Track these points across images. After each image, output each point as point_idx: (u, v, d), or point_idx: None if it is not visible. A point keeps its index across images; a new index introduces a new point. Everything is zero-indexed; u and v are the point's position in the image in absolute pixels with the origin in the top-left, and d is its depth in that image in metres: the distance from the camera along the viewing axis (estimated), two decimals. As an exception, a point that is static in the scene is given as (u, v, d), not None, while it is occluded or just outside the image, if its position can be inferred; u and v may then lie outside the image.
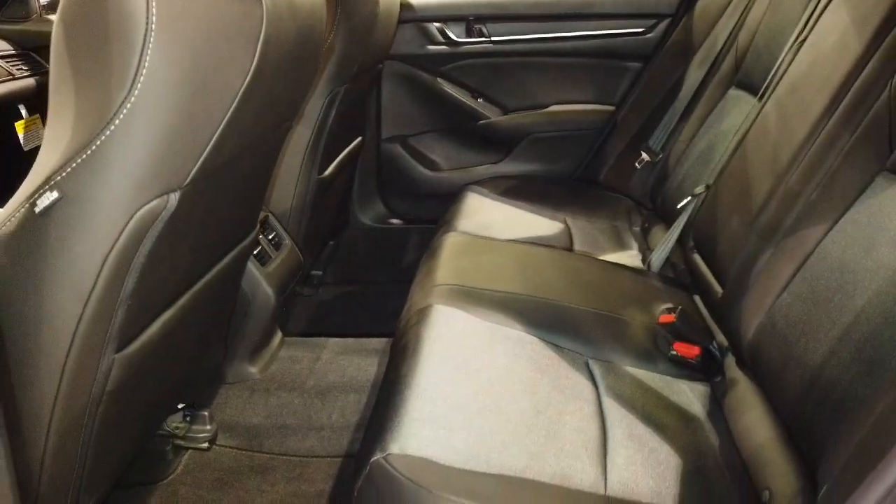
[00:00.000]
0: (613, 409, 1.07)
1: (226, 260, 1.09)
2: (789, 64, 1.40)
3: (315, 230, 1.77)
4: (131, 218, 0.70)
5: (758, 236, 1.23)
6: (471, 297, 1.30)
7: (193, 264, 0.96)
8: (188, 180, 0.77)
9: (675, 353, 1.23)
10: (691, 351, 1.23)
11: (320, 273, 2.13)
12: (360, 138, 1.99)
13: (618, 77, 2.12)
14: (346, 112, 1.71)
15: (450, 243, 1.54)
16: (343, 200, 2.15)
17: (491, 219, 1.78)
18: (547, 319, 1.26)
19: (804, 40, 1.37)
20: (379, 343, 1.60)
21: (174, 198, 0.74)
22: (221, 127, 0.77)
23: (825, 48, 1.26)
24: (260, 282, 1.40)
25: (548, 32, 2.06)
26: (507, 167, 2.21)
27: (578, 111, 2.17)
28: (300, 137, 1.48)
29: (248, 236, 1.18)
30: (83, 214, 0.67)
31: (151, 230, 0.74)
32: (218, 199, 0.92)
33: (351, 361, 1.54)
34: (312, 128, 1.48)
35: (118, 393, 0.83)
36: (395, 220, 2.30)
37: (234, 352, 1.43)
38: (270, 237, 1.49)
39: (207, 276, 1.02)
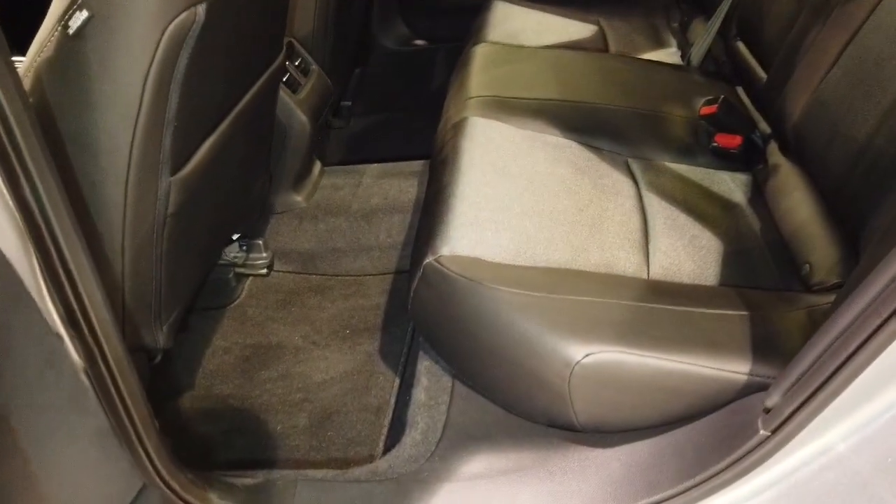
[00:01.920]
0: (654, 203, 1.08)
1: (257, 85, 1.08)
2: None
3: (339, 54, 1.72)
4: (164, 33, 0.70)
5: (808, 12, 1.15)
6: (506, 106, 1.28)
7: (228, 88, 0.96)
8: None
9: (716, 144, 1.22)
10: (733, 141, 1.21)
11: (350, 104, 2.10)
12: None
13: None
14: None
15: (480, 54, 1.49)
16: (364, 23, 2.06)
17: (521, 26, 1.70)
18: (584, 122, 1.25)
19: None
20: (418, 165, 1.61)
21: (202, 9, 0.73)
22: None
23: None
24: (294, 109, 1.39)
25: None
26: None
27: None
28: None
29: (276, 60, 1.16)
30: (116, 32, 0.67)
31: (185, 46, 0.74)
32: (242, 13, 0.90)
33: (392, 184, 1.57)
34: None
35: (179, 215, 0.88)
36: (419, 41, 2.22)
37: (279, 182, 1.46)
38: (297, 63, 1.46)
39: (243, 102, 1.02)
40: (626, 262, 0.96)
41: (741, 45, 1.41)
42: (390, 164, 1.65)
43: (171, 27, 0.72)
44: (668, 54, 1.66)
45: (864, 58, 0.99)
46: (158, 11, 0.71)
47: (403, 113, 2.04)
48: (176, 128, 0.80)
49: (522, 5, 1.83)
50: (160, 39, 0.70)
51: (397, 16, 2.19)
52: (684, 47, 1.66)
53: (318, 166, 1.62)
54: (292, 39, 1.47)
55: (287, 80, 1.40)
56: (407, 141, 1.82)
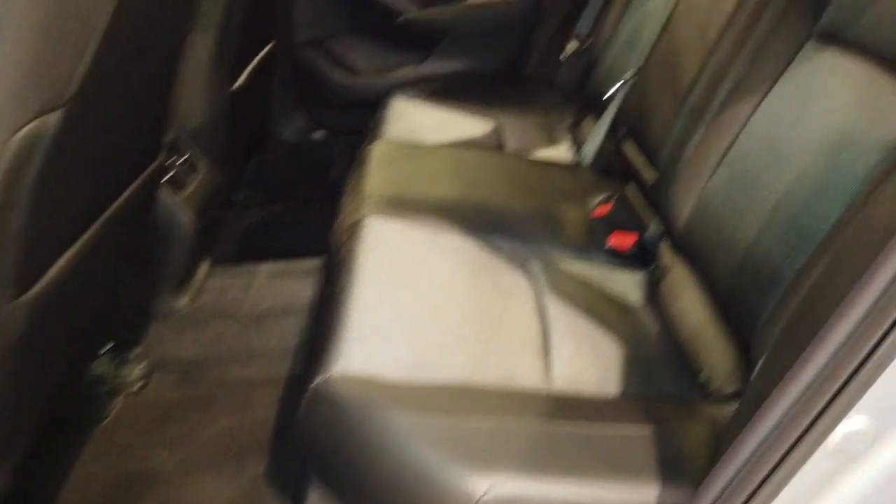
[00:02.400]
0: (554, 306, 1.06)
1: (131, 188, 0.99)
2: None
3: (233, 148, 1.66)
4: (12, 138, 0.61)
5: (688, 117, 1.20)
6: (404, 205, 1.24)
7: (91, 197, 0.87)
8: (72, 93, 0.67)
9: (610, 244, 1.23)
10: (627, 240, 1.22)
11: (245, 195, 2.03)
12: (271, 44, 1.85)
13: (539, -39, 2.02)
14: (252, 14, 1.56)
15: (378, 152, 1.47)
16: (261, 113, 2.02)
17: (419, 123, 1.70)
18: (483, 222, 1.23)
19: None
20: (313, 263, 1.55)
21: (55, 117, 0.65)
22: (102, 28, 0.67)
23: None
24: (176, 209, 1.30)
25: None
26: (432, 67, 2.11)
27: (501, 2, 2.06)
28: (202, 45, 1.34)
29: (154, 161, 1.08)
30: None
31: (36, 152, 0.65)
32: (110, 115, 0.82)
33: (285, 284, 1.49)
34: (215, 33, 1.35)
35: (23, 343, 0.76)
36: (319, 133, 2.19)
37: (159, 285, 1.35)
38: (183, 159, 1.38)
39: (112, 208, 0.93)
40: (528, 373, 0.92)
41: (630, 145, 1.46)
42: (284, 263, 1.57)
43: (22, 132, 0.64)
44: (562, 151, 1.70)
45: (744, 164, 1.03)
46: (8, 116, 0.62)
47: (302, 206, 1.98)
48: (24, 243, 0.70)
49: (421, 102, 1.84)
50: (6, 145, 0.62)
51: (297, 107, 2.16)
52: (577, 145, 1.71)
53: (205, 266, 1.51)
54: (178, 134, 1.40)
55: (170, 178, 1.31)
56: (304, 236, 1.75)
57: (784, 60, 1.01)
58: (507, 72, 2.14)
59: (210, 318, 1.40)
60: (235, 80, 1.51)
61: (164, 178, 1.29)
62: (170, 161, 1.33)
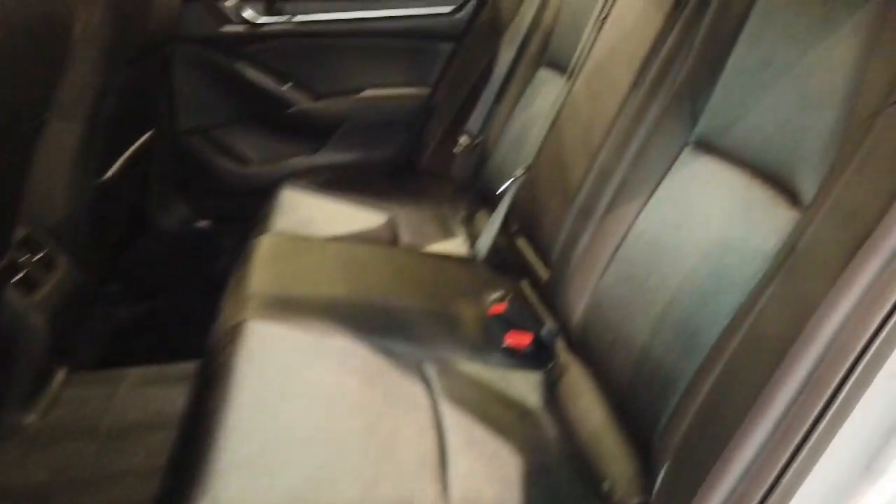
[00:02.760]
0: (450, 414, 1.00)
1: None
2: (593, 42, 1.41)
3: (101, 241, 1.52)
4: None
5: (577, 217, 1.22)
6: (290, 306, 1.16)
7: None
8: None
9: (507, 343, 1.20)
10: (523, 339, 1.20)
11: (116, 289, 1.86)
12: (151, 132, 1.75)
13: (431, 58, 2.06)
14: (128, 105, 1.47)
15: (264, 247, 1.39)
16: (137, 203, 1.89)
17: (310, 215, 1.64)
18: (375, 322, 1.17)
19: (605, 17, 1.38)
20: (189, 368, 1.41)
21: None
22: None
23: (627, 25, 1.28)
24: (25, 313, 1.15)
25: (355, 11, 1.95)
26: (325, 157, 2.08)
27: (394, 95, 2.08)
28: (67, 136, 1.23)
29: (1, 259, 0.95)
30: None
31: None
32: None
33: (156, 393, 1.34)
34: (82, 124, 1.25)
35: None
36: (202, 222, 2.07)
37: (2, 401, 1.17)
38: (38, 257, 1.24)
39: None
40: (424, 496, 0.84)
41: (522, 241, 1.46)
42: (156, 368, 1.43)
43: None
44: (457, 244, 1.69)
45: (632, 265, 1.04)
46: None
47: (180, 302, 1.84)
48: None
49: (313, 193, 1.79)
50: None
51: (179, 195, 2.04)
52: (471, 238, 1.70)
53: (61, 374, 1.34)
54: (33, 229, 1.26)
55: (20, 278, 1.17)
56: (180, 336, 1.61)
57: (664, 165, 1.04)
58: (401, 163, 2.14)
59: (63, 436, 1.23)
60: (105, 170, 1.40)
61: (14, 279, 1.14)
62: (22, 259, 1.19)
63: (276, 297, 1.19)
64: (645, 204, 1.06)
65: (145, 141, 1.70)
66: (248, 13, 1.86)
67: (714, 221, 0.91)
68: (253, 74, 1.93)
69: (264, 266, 1.30)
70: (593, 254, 1.15)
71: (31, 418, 1.23)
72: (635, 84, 1.15)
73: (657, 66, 1.10)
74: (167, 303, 1.84)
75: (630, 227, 1.08)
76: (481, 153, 1.92)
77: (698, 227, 0.94)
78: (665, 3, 1.12)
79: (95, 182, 1.35)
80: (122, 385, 1.36)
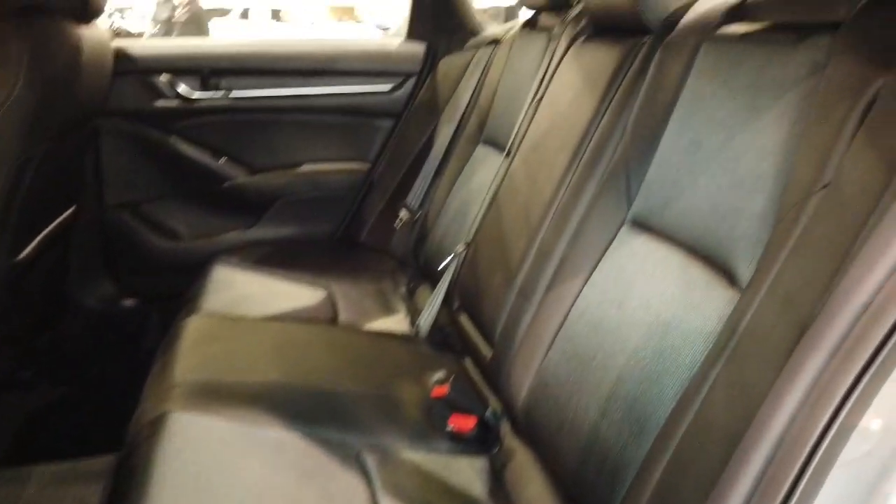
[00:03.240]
0: (391, 509, 0.94)
1: None
2: (530, 122, 1.44)
3: (15, 324, 1.41)
4: None
5: (519, 294, 1.20)
6: (218, 394, 1.09)
7: None
8: None
9: (451, 427, 1.15)
10: (467, 423, 1.15)
11: (30, 374, 1.73)
12: (73, 207, 1.67)
13: (370, 134, 2.07)
14: (49, 179, 1.40)
15: (192, 329, 1.31)
16: (57, 282, 1.78)
17: (243, 294, 1.58)
18: (311, 409, 1.10)
19: (541, 98, 1.41)
20: (106, 463, 1.29)
21: None
22: None
23: (562, 106, 1.31)
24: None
25: (292, 88, 1.95)
26: (261, 232, 2.02)
27: (333, 170, 2.07)
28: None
29: None
30: None
31: None
32: None
33: (67, 493, 1.22)
34: (-3, 201, 1.17)
35: None
36: (128, 301, 1.97)
37: None
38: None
39: None
40: None
41: (465, 318, 1.44)
42: (69, 464, 1.30)
43: None
44: (398, 321, 1.65)
45: (576, 344, 1.03)
46: None
47: (98, 390, 1.71)
48: None
49: (247, 269, 1.73)
50: None
51: (102, 273, 1.94)
52: (413, 314, 1.67)
53: (-43, 476, 1.21)
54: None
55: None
56: (99, 426, 1.49)
57: (603, 243, 1.05)
58: (340, 238, 2.11)
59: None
60: (22, 249, 1.31)
61: None
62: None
63: (203, 384, 1.11)
64: (586, 282, 1.06)
65: (67, 217, 1.62)
66: (182, 88, 1.83)
67: (654, 301, 0.91)
68: (186, 149, 1.89)
69: (191, 350, 1.22)
70: (536, 332, 1.13)
71: (-83, 530, 1.09)
72: (571, 163, 1.17)
73: (592, 146, 1.12)
74: (85, 390, 1.71)
75: (572, 306, 1.07)
76: (421, 228, 1.91)
77: (639, 305, 0.93)
78: (597, 88, 1.16)
79: (10, 261, 1.26)
80: (28, 484, 1.24)
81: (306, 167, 2.03)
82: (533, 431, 1.08)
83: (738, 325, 0.71)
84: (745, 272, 0.77)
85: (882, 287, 0.47)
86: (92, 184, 1.80)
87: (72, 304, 1.87)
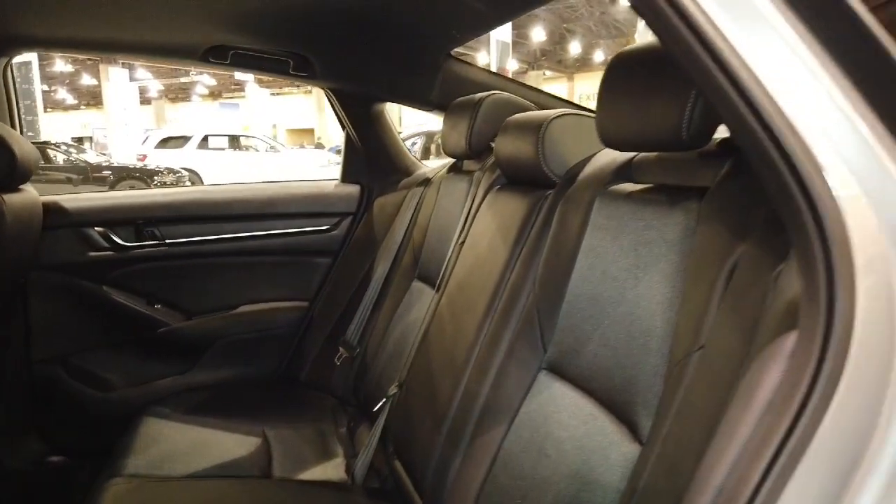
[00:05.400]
0: None
1: None
2: (455, 261, 1.48)
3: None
4: None
5: (446, 443, 1.19)
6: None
7: None
8: None
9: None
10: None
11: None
12: None
13: (309, 272, 2.10)
14: None
15: (109, 497, 1.25)
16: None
17: (172, 449, 1.52)
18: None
19: (464, 240, 1.47)
20: None
21: None
22: None
23: (481, 249, 1.36)
24: None
25: (230, 232, 1.98)
26: (198, 377, 1.98)
27: (272, 309, 2.07)
28: None
29: None
30: None
31: None
32: None
33: None
34: None
35: None
36: (56, 458, 1.87)
37: None
38: None
39: None
40: None
41: (398, 464, 1.40)
42: None
43: None
44: (335, 466, 1.59)
45: (502, 497, 1.01)
46: None
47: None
48: None
49: (179, 419, 1.67)
50: None
51: (27, 430, 1.85)
52: (350, 457, 1.62)
53: None
54: None
55: None
56: None
57: (522, 389, 1.06)
58: (280, 376, 2.07)
59: None
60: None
61: None
62: None
63: (114, 563, 1.04)
64: (509, 428, 1.06)
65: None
66: (116, 238, 1.84)
67: (570, 450, 0.91)
68: (119, 297, 1.87)
69: (106, 523, 1.16)
70: (464, 483, 1.11)
71: None
72: (490, 308, 1.20)
73: (507, 293, 1.16)
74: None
75: (496, 457, 1.06)
76: (360, 366, 1.89)
77: (557, 455, 0.93)
78: (509, 236, 1.21)
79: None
80: None
81: (244, 308, 2.03)
82: None
83: (638, 484, 0.71)
84: (644, 426, 0.78)
85: (734, 468, 0.48)
86: (18, 339, 1.75)
87: (-8, 465, 1.77)
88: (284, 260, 2.07)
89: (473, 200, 1.50)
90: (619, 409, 0.84)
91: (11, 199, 1.37)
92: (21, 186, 1.47)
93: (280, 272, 2.07)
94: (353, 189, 2.12)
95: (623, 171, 0.99)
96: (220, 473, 1.42)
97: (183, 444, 1.54)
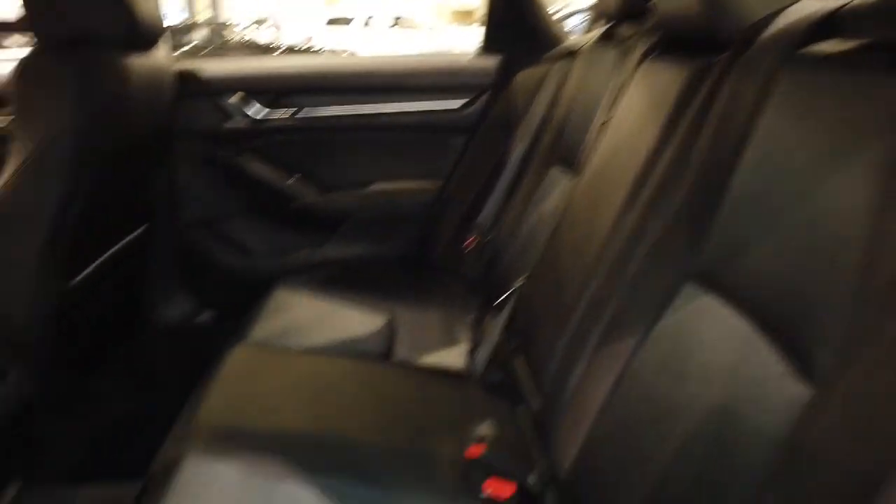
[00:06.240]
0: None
1: None
2: (596, 143, 1.29)
3: (77, 345, 1.44)
4: None
5: (569, 344, 1.06)
6: (238, 440, 1.03)
7: None
8: None
9: (486, 494, 1.03)
10: (505, 490, 1.03)
11: (109, 385, 1.78)
12: (146, 226, 1.70)
13: (443, 151, 1.98)
14: (112, 202, 1.42)
15: (233, 362, 1.28)
16: (130, 299, 1.82)
17: (298, 319, 1.54)
18: (334, 463, 1.02)
19: (607, 122, 1.26)
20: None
21: None
22: None
23: (625, 132, 1.16)
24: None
25: (363, 105, 1.89)
26: (330, 252, 1.99)
27: (404, 189, 2.00)
28: (27, 241, 1.17)
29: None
30: None
31: None
32: None
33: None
34: (46, 229, 1.18)
35: None
36: (201, 317, 2.00)
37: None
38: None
39: None
40: None
41: (520, 361, 1.31)
42: (113, 489, 1.30)
43: None
44: (457, 354, 1.54)
45: (628, 413, 0.88)
46: None
47: (174, 401, 1.74)
48: None
49: (308, 292, 1.69)
50: None
51: (179, 288, 1.97)
52: (474, 346, 1.56)
53: (11, 492, 1.23)
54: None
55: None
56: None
57: (662, 298, 0.89)
58: (410, 259, 2.04)
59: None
60: (78, 273, 1.33)
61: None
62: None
63: (226, 427, 1.06)
64: (642, 342, 0.90)
65: (138, 236, 1.65)
66: (251, 108, 1.82)
67: (716, 380, 0.75)
68: (257, 168, 1.88)
69: (225, 386, 1.18)
70: (587, 390, 0.99)
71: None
72: (632, 199, 1.01)
73: (655, 182, 0.96)
74: (160, 402, 1.74)
75: (626, 366, 0.92)
76: (492, 252, 1.79)
77: (698, 382, 0.77)
78: (662, 114, 0.99)
79: (63, 288, 1.28)
80: (73, 506, 1.25)
81: (377, 186, 1.98)
82: (577, 507, 0.94)
83: (804, 438, 0.55)
84: (821, 364, 0.60)
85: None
86: (165, 203, 1.83)
87: (149, 319, 1.92)
88: (419, 137, 1.96)
89: (624, 72, 1.27)
90: (786, 337, 0.66)
91: (139, 61, 1.36)
92: (151, 49, 1.45)
93: (414, 150, 1.98)
94: (493, 61, 1.93)
95: (825, 26, 0.73)
96: (341, 350, 1.41)
97: (308, 317, 1.55)
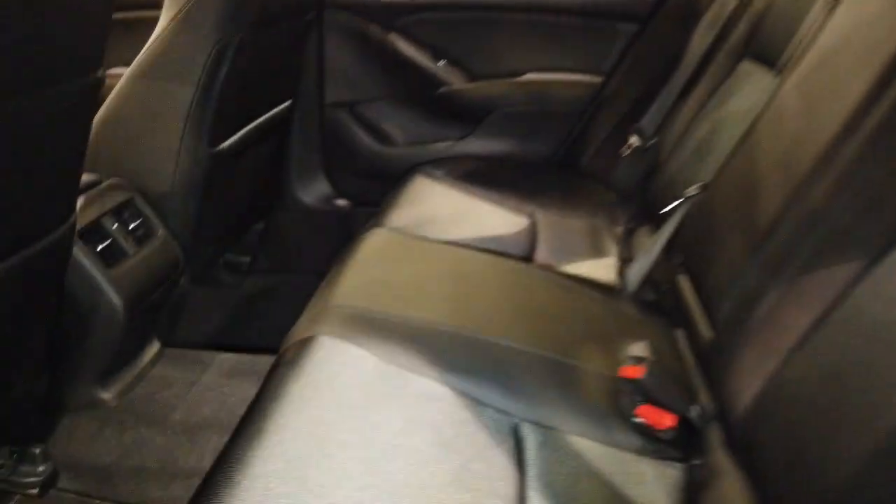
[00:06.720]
0: (540, 509, 0.75)
1: (15, 259, 0.77)
2: (817, 32, 1.05)
3: (219, 215, 1.44)
4: None
5: (761, 268, 0.89)
6: (373, 325, 0.97)
7: None
8: None
9: (639, 419, 0.91)
10: (663, 419, 0.90)
11: (247, 259, 1.81)
12: (288, 102, 1.65)
13: (608, 41, 1.76)
14: (258, 70, 1.36)
15: (370, 245, 1.21)
16: (271, 176, 1.81)
17: (436, 210, 1.44)
18: (471, 363, 0.94)
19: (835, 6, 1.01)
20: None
21: None
22: None
23: (865, 15, 0.91)
24: (102, 288, 1.06)
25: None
26: (473, 145, 1.87)
27: (560, 82, 1.81)
28: (176, 99, 1.13)
29: (59, 227, 0.85)
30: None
31: None
32: None
33: (237, 386, 1.22)
34: (194, 87, 1.14)
35: None
36: (341, 201, 1.96)
37: (75, 374, 1.11)
38: (133, 226, 1.15)
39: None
40: None
41: (685, 280, 1.15)
42: (248, 358, 1.31)
43: None
44: (604, 266, 1.39)
45: (837, 357, 0.71)
46: None
47: (307, 280, 1.75)
48: None
49: (449, 183, 1.59)
50: None
51: (319, 171, 1.94)
52: (624, 260, 1.40)
53: (151, 350, 1.27)
54: (136, 195, 1.18)
55: (105, 248, 1.08)
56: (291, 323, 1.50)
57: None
58: (558, 161, 1.87)
59: (135, 421, 1.16)
60: (223, 140, 1.30)
61: (100, 246, 1.06)
62: (114, 226, 1.11)
63: (361, 310, 1.00)
64: (870, 269, 0.72)
65: (280, 112, 1.60)
66: (406, -21, 1.69)
67: None
68: (405, 48, 1.76)
69: (361, 269, 1.12)
70: (780, 323, 0.82)
71: (108, 394, 1.16)
72: (869, 98, 0.79)
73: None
74: (297, 280, 1.75)
75: (841, 298, 0.74)
76: (653, 159, 1.60)
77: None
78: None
79: (211, 151, 1.25)
80: (208, 371, 1.27)
81: (529, 76, 1.80)
82: (753, 454, 0.80)
83: None
84: None
85: None
86: (312, 79, 1.76)
87: (287, 198, 1.91)
88: (582, 23, 1.75)
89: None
90: None
91: None
92: None
93: (575, 38, 1.77)
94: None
95: None
96: (478, 246, 1.31)
97: (447, 209, 1.46)
